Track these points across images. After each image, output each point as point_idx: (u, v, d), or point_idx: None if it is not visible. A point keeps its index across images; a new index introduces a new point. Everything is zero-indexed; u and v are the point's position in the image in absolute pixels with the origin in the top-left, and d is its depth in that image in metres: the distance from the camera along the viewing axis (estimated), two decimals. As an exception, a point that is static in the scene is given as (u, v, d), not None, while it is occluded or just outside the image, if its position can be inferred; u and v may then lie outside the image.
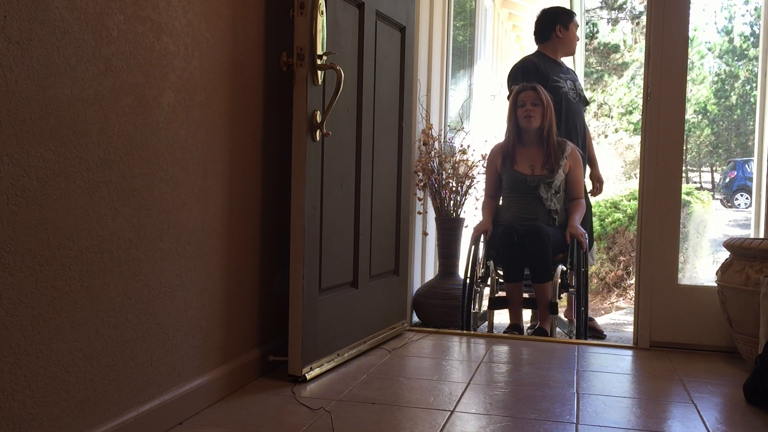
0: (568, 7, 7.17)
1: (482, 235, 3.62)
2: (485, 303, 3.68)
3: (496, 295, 3.55)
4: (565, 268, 3.49)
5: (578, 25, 3.99)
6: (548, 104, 3.54)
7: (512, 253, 3.45)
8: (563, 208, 3.59)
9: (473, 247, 3.60)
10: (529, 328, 3.67)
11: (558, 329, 3.46)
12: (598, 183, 4.01)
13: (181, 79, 1.96)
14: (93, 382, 1.67)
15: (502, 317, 3.94)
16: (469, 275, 3.54)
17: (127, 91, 1.74)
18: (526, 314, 3.89)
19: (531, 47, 4.17)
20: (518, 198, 3.58)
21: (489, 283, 3.60)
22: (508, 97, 3.87)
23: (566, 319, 3.68)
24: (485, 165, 3.81)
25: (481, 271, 3.61)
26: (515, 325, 3.49)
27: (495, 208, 3.73)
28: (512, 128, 3.61)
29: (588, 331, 3.48)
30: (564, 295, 3.64)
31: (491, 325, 3.57)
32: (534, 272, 3.46)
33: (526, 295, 3.58)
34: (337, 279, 2.66)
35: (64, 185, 1.54)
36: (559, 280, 3.44)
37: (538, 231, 3.41)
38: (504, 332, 3.44)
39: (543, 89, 3.58)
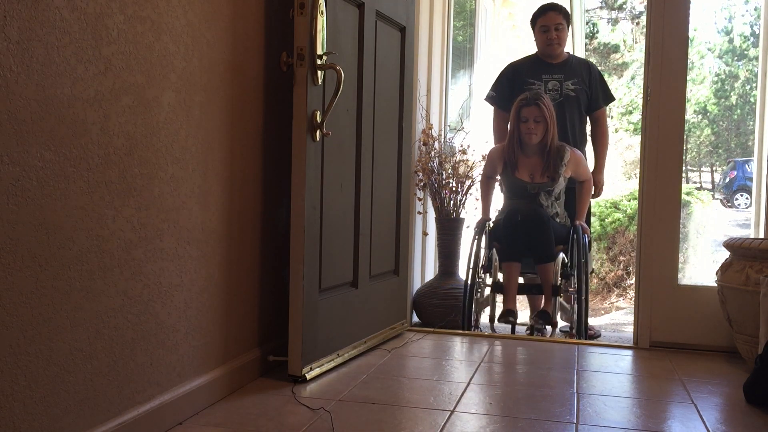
0: (567, 7, 7.15)
1: (485, 226, 3.64)
2: (488, 304, 3.67)
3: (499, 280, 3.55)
4: (565, 258, 3.51)
5: (545, 24, 3.82)
6: (551, 120, 3.51)
7: (514, 233, 3.47)
8: (564, 211, 3.61)
9: (475, 241, 3.61)
10: (527, 329, 3.64)
11: (559, 318, 3.46)
12: (596, 187, 3.92)
13: (181, 79, 1.96)
14: (93, 382, 1.66)
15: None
16: (470, 274, 3.54)
17: (127, 91, 1.74)
18: (525, 315, 3.89)
19: (530, 47, 4.15)
20: (519, 202, 3.59)
21: (491, 272, 3.59)
22: (486, 99, 3.94)
23: (567, 306, 3.62)
24: (484, 161, 3.82)
25: (483, 262, 3.60)
26: (509, 311, 3.45)
27: (493, 189, 3.76)
28: (515, 140, 3.58)
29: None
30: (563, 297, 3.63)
31: (493, 311, 3.55)
32: (537, 253, 3.47)
33: (521, 280, 3.56)
34: (337, 279, 2.66)
35: (64, 185, 1.54)
36: (560, 269, 3.44)
37: (539, 213, 3.45)
38: (498, 319, 3.43)
39: (547, 104, 3.53)
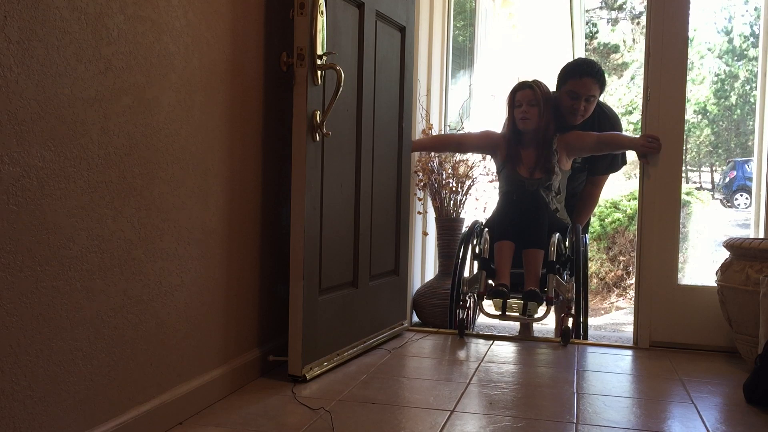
0: (567, 8, 7.12)
1: (474, 227, 3.46)
2: (476, 284, 3.43)
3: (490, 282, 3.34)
4: (560, 235, 3.33)
5: (576, 90, 3.39)
6: (546, 103, 3.35)
7: (508, 212, 3.36)
8: (564, 208, 3.52)
9: (462, 248, 3.43)
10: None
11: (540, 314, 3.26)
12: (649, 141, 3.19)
13: (181, 79, 1.96)
14: (93, 382, 1.67)
15: (492, 319, 3.83)
16: (456, 279, 3.37)
17: (127, 91, 1.74)
18: (517, 324, 3.80)
19: (530, 47, 4.11)
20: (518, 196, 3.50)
21: (479, 284, 3.38)
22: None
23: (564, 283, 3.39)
24: (483, 161, 3.67)
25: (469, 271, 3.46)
26: (500, 289, 3.19)
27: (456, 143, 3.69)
28: (511, 129, 3.48)
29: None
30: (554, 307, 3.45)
31: (483, 287, 3.33)
32: (525, 235, 3.28)
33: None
34: (337, 279, 2.66)
35: (64, 185, 1.54)
36: (554, 248, 3.26)
37: (536, 196, 3.33)
38: (489, 293, 3.24)
39: (541, 87, 3.38)
